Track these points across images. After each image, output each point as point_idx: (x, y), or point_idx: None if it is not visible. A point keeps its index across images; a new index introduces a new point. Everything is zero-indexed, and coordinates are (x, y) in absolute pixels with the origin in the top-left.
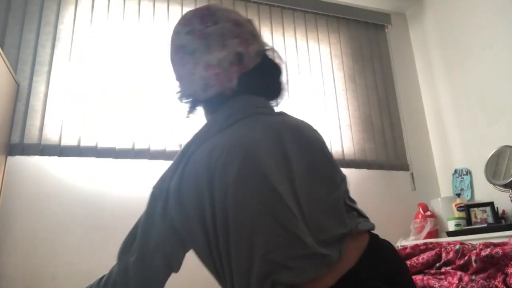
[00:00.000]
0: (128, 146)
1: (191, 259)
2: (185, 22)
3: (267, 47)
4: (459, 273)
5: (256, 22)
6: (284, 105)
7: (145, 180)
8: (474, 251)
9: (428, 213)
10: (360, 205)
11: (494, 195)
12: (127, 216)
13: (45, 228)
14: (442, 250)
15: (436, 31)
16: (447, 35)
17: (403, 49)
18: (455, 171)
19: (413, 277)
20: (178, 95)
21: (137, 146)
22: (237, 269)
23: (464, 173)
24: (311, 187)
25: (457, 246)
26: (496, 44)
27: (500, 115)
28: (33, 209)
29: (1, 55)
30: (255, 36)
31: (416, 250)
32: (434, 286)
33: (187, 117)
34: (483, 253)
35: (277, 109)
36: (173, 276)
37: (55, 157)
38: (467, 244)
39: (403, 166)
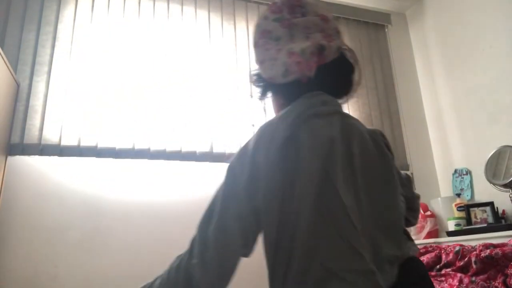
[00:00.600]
0: (128, 146)
1: None
2: (275, 9)
3: (345, 46)
4: (459, 275)
5: (255, 22)
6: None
7: (145, 180)
8: (474, 252)
9: (428, 213)
10: None
11: (494, 195)
12: (127, 216)
13: (45, 228)
14: (442, 251)
15: (436, 31)
16: (447, 35)
17: (403, 49)
18: (455, 171)
19: None
20: (254, 78)
21: (137, 146)
22: (294, 266)
23: (464, 173)
24: (373, 203)
25: (457, 248)
26: (496, 44)
27: (500, 115)
28: (33, 209)
29: (1, 55)
30: (338, 33)
31: None
32: None
33: (260, 99)
34: (483, 254)
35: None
36: None
37: (55, 157)
38: (466, 246)
39: (403, 166)
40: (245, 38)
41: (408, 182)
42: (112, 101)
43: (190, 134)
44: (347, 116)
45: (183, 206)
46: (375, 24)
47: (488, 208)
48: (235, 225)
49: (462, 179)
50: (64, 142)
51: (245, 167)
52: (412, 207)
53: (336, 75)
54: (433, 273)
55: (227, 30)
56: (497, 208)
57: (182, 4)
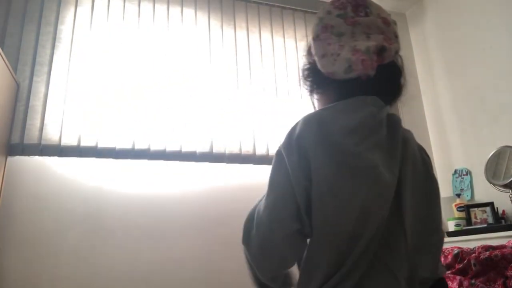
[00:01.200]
0: (128, 146)
1: (192, 259)
2: (339, 5)
3: (400, 51)
4: (458, 277)
5: (256, 22)
6: (287, 105)
7: (145, 180)
8: (473, 255)
9: None
10: None
11: (494, 195)
12: (127, 216)
13: (45, 229)
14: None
15: (436, 31)
16: (447, 35)
17: (403, 49)
18: (455, 171)
19: None
20: (306, 72)
21: (137, 146)
22: (332, 247)
23: (464, 173)
24: (420, 224)
25: (456, 251)
26: (496, 44)
27: (500, 115)
28: (33, 209)
29: (1, 55)
30: (397, 38)
31: None
32: None
33: (310, 95)
34: (482, 256)
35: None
36: (174, 272)
37: (55, 157)
38: (465, 248)
39: None
40: (244, 38)
41: None
42: (112, 101)
43: (190, 134)
44: (404, 130)
45: (183, 206)
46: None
47: (488, 209)
48: (286, 202)
49: (462, 179)
50: (64, 142)
51: (293, 146)
52: None
53: (389, 77)
54: None
55: (227, 30)
56: (497, 208)
57: (182, 5)
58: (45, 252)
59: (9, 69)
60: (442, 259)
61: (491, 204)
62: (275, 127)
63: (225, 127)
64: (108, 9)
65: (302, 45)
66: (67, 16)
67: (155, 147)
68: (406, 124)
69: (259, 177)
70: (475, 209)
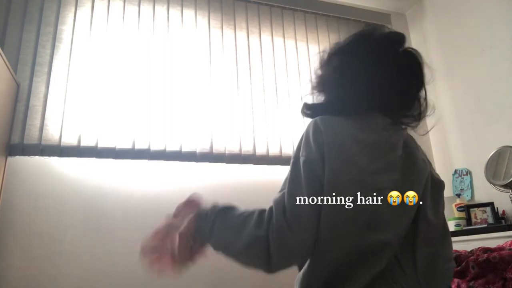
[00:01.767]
0: (128, 146)
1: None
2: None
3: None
4: (456, 280)
5: (256, 23)
6: (287, 105)
7: (145, 180)
8: (472, 257)
9: None
10: None
11: (494, 195)
12: (127, 216)
13: (45, 229)
14: None
15: (436, 32)
16: (447, 35)
17: None
18: (455, 171)
19: None
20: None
21: (137, 146)
22: (340, 241)
23: (464, 173)
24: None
25: (453, 254)
26: (496, 44)
27: (500, 115)
28: (33, 209)
29: (1, 55)
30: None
31: None
32: None
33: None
34: (480, 259)
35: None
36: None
37: (55, 157)
38: (462, 251)
39: None
40: (244, 39)
41: None
42: (112, 101)
43: (190, 134)
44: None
45: None
46: (375, 24)
47: (488, 209)
48: (307, 200)
49: (462, 180)
50: (64, 142)
51: (313, 155)
52: None
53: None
54: None
55: (227, 30)
56: (497, 208)
57: (182, 5)
58: (45, 252)
59: (9, 69)
60: None
61: (491, 204)
62: (275, 127)
63: (225, 127)
64: (108, 9)
65: (302, 45)
66: (67, 16)
67: (155, 147)
68: None
69: (259, 177)
70: (475, 209)
